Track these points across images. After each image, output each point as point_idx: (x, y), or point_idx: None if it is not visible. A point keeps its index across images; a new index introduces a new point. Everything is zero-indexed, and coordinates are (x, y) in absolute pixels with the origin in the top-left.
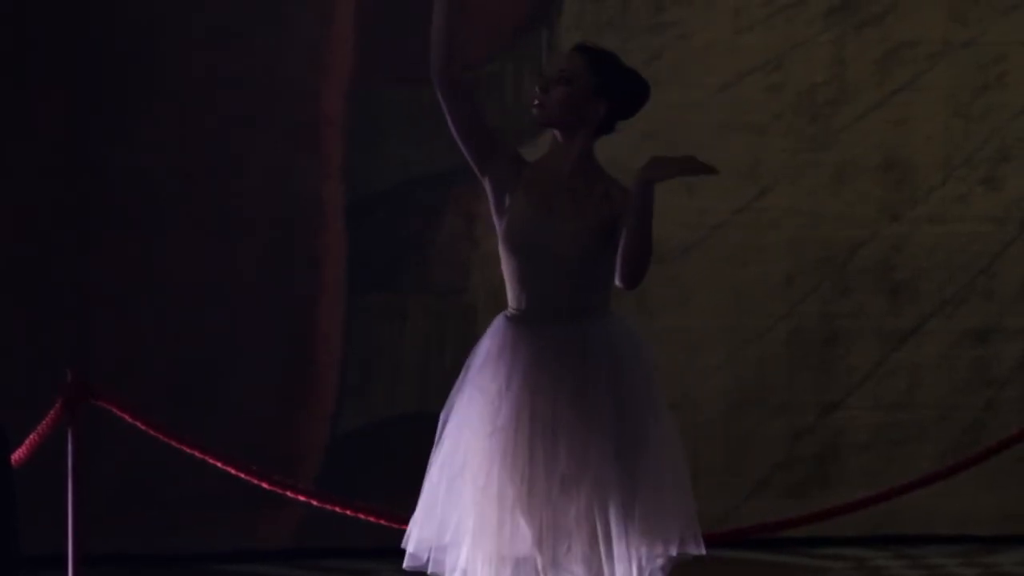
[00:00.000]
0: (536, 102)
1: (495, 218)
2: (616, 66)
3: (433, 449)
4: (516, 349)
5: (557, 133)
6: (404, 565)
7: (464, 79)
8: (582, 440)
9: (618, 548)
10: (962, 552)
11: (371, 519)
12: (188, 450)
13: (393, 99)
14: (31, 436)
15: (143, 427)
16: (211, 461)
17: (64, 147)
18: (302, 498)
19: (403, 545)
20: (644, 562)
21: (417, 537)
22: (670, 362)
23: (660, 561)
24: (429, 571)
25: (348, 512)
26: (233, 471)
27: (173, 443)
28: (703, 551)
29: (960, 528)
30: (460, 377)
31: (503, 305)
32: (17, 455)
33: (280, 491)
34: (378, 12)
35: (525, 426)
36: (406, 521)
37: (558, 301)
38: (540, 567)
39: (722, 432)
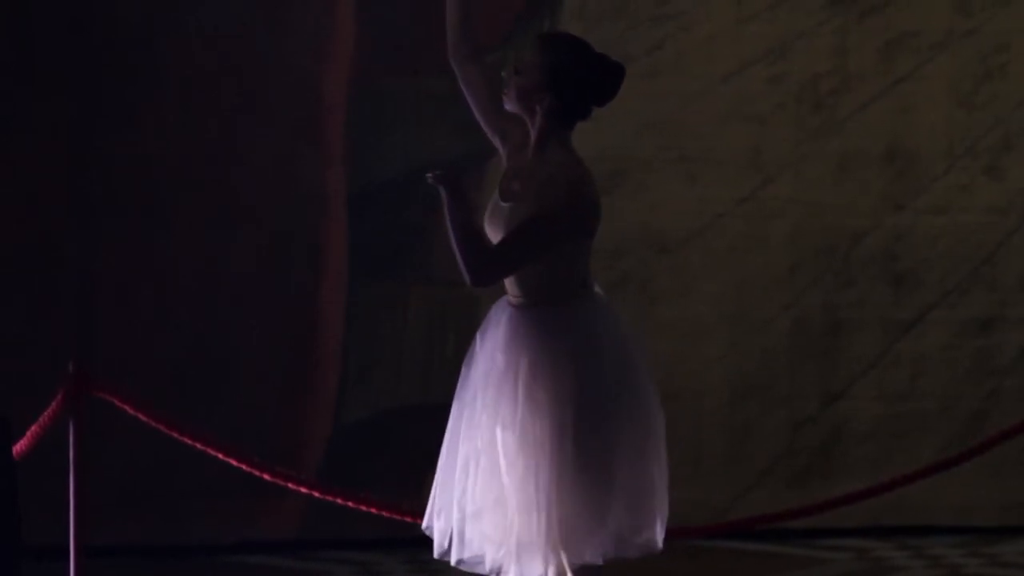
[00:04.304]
0: (503, 90)
1: None
2: (568, 59)
3: None
4: (483, 330)
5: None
6: (435, 554)
7: (479, 55)
8: (490, 428)
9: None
10: (964, 543)
11: (374, 511)
12: (190, 442)
13: (395, 88)
14: (33, 427)
15: (145, 419)
16: (212, 453)
17: (66, 137)
18: (304, 490)
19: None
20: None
21: (429, 522)
22: (672, 352)
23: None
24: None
25: (351, 504)
26: (235, 463)
27: (175, 435)
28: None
29: (962, 519)
30: None
31: (504, 295)
32: (19, 446)
33: (282, 483)
34: (380, 1)
35: (461, 404)
36: (409, 512)
37: (510, 284)
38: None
39: (724, 422)
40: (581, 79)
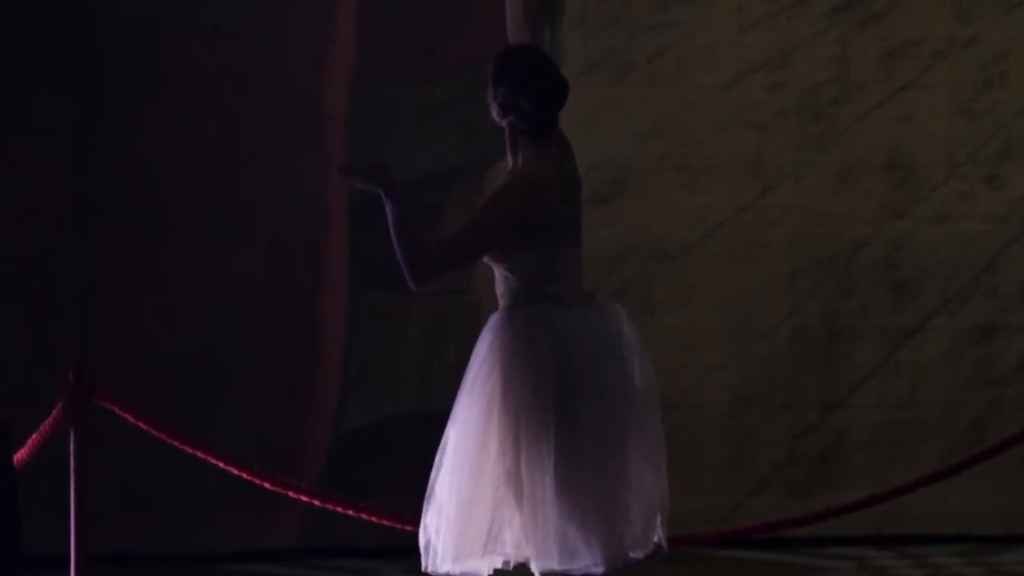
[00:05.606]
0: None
1: None
2: (514, 83)
3: None
4: None
5: None
6: None
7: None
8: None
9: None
10: (965, 552)
11: (374, 519)
12: (190, 450)
13: (395, 96)
14: (34, 436)
15: (145, 427)
16: (213, 461)
17: (66, 143)
18: (304, 498)
19: None
20: None
21: None
22: (672, 360)
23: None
24: None
25: (351, 512)
26: (235, 471)
27: (175, 443)
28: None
29: (963, 527)
30: None
31: None
32: (20, 454)
33: (283, 491)
34: (380, 9)
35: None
36: (409, 520)
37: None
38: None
39: (724, 430)
40: (527, 99)
